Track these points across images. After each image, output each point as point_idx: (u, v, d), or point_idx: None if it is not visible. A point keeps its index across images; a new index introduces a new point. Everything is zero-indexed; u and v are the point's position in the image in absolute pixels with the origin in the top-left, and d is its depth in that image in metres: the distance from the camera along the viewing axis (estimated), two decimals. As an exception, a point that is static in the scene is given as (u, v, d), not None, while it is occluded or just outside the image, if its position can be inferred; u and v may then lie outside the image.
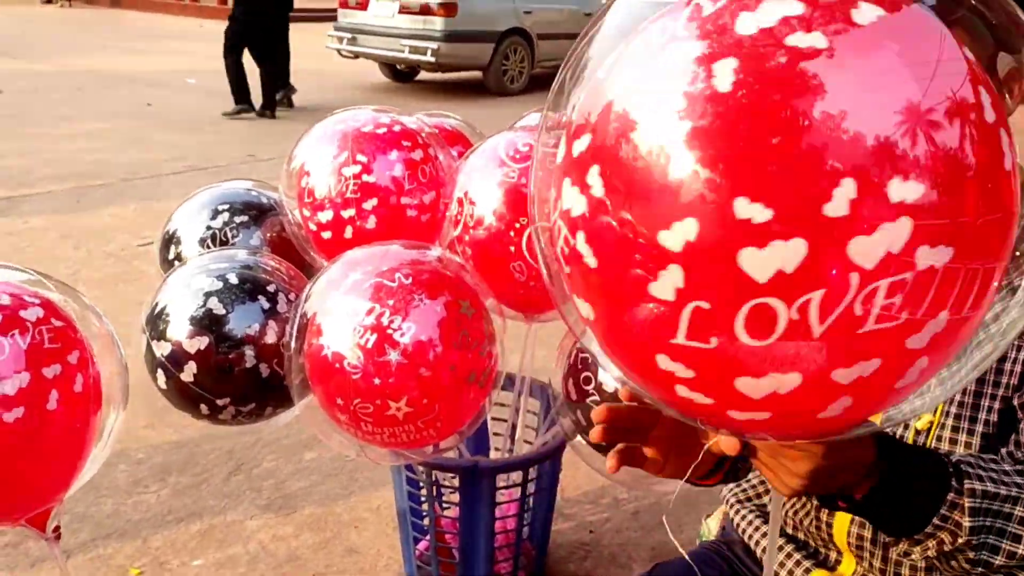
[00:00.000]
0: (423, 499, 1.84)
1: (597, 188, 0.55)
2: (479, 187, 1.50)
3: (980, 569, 0.77)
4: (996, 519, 0.76)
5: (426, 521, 1.87)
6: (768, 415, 0.57)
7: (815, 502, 0.98)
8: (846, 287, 0.49)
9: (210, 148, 5.97)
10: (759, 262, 0.49)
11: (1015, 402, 0.86)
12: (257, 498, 2.23)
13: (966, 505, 0.75)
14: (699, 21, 0.54)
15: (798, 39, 0.50)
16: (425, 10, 8.16)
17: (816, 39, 0.50)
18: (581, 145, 0.57)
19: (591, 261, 0.57)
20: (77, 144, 5.90)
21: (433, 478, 1.80)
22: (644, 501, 2.27)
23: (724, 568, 1.14)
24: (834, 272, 0.49)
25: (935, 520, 0.75)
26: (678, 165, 0.51)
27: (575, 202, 0.57)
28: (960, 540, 0.75)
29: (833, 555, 1.01)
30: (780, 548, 1.05)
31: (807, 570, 1.01)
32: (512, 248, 1.46)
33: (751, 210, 0.49)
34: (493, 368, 1.40)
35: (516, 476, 1.80)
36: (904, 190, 0.49)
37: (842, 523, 0.96)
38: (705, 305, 0.52)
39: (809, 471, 0.68)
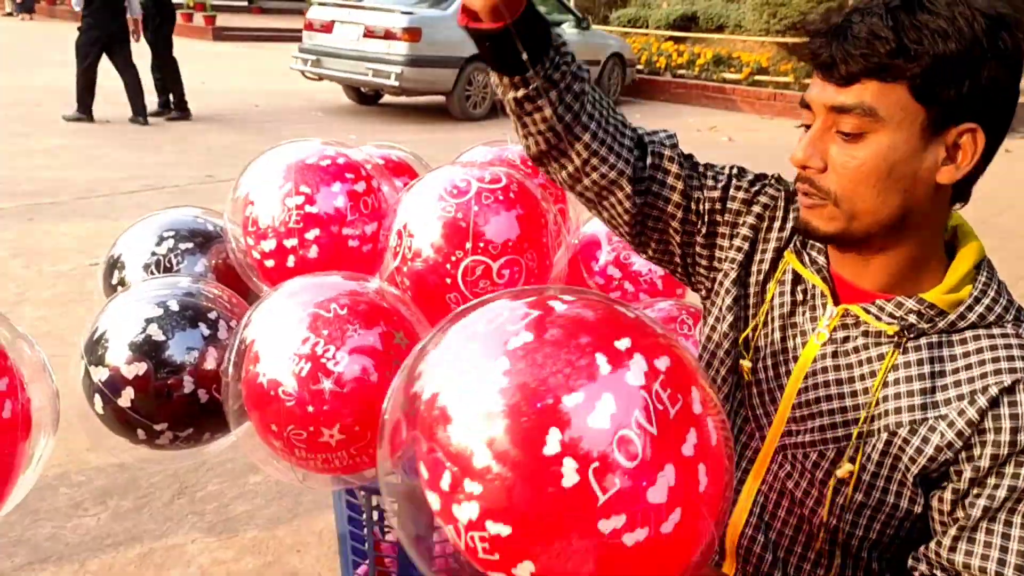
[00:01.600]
0: (364, 524, 1.86)
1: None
2: (418, 220, 1.54)
3: None
4: None
5: (366, 545, 1.89)
6: None
7: None
8: None
9: (169, 168, 5.95)
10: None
11: (934, 503, 0.91)
12: (199, 522, 2.23)
13: None
14: None
15: None
16: (389, 35, 8.24)
17: None
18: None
19: None
20: (33, 161, 5.85)
21: (374, 503, 1.82)
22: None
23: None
24: None
25: None
26: None
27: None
28: None
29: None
30: None
31: None
32: (448, 280, 1.51)
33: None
34: (427, 397, 1.43)
35: (455, 502, 1.83)
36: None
37: (733, 531, 1.02)
38: None
39: None
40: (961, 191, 0.93)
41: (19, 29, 15.60)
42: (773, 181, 1.11)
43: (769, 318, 1.04)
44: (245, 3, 20.18)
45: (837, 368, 0.96)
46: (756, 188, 1.10)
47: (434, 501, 0.77)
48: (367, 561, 1.91)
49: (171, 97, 7.81)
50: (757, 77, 11.31)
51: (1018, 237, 5.46)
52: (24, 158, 5.90)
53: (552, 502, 0.70)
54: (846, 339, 0.96)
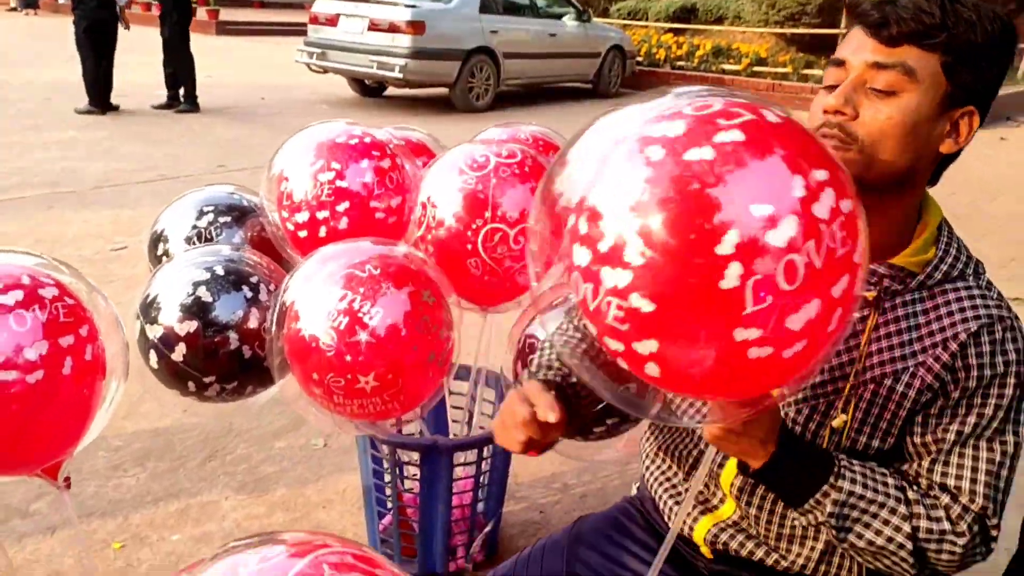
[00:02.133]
0: (387, 478, 2.02)
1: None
2: (440, 192, 1.69)
3: (846, 544, 1.02)
4: (859, 514, 0.99)
5: (389, 497, 2.05)
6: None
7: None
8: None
9: (181, 159, 6.09)
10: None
11: (915, 437, 1.05)
12: (231, 481, 2.39)
13: (831, 497, 0.98)
14: None
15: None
16: (393, 28, 8.37)
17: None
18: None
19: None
20: (48, 153, 5.99)
21: (396, 457, 1.98)
22: (591, 486, 2.47)
23: (639, 520, 1.34)
24: None
25: (809, 501, 0.99)
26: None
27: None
28: (821, 520, 1.00)
29: (716, 499, 1.20)
30: (673, 497, 1.24)
31: (695, 519, 1.20)
32: (469, 246, 1.66)
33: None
34: (450, 350, 1.59)
35: (472, 455, 1.99)
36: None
37: (729, 472, 1.16)
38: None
39: (721, 431, 0.93)
40: (939, 171, 1.08)
41: (24, 24, 15.72)
42: None
43: None
44: (247, -3, 20.25)
45: None
46: None
47: (582, 257, 0.79)
48: (390, 512, 2.07)
49: (181, 91, 7.94)
50: (756, 68, 11.44)
51: (1009, 221, 5.61)
52: (39, 150, 6.05)
53: (705, 297, 0.74)
54: None
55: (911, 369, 1.03)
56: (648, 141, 0.78)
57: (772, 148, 0.76)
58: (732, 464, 1.14)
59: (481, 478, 2.02)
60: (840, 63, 1.02)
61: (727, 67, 11.70)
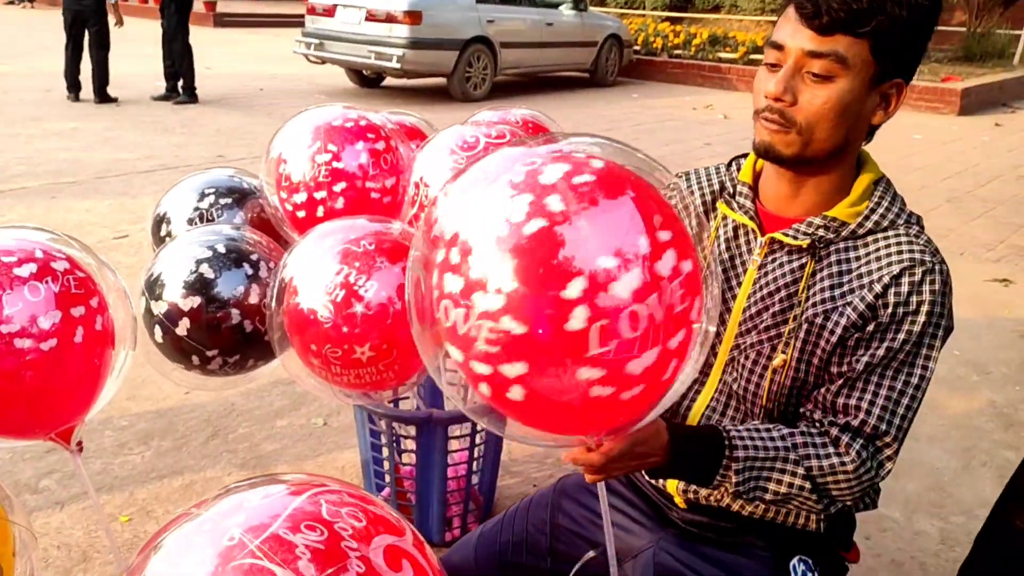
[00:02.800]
0: (384, 452, 2.09)
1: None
2: (433, 172, 1.75)
3: (756, 503, 1.14)
4: (758, 472, 1.10)
5: (387, 471, 2.12)
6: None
7: None
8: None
9: (181, 149, 6.16)
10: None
11: (831, 368, 1.13)
12: (233, 459, 2.46)
13: (732, 468, 1.10)
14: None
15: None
16: (391, 18, 8.41)
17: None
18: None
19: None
20: (49, 143, 6.05)
21: (393, 431, 2.05)
22: (583, 460, 2.54)
23: (621, 477, 1.41)
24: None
25: (716, 478, 1.11)
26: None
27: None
28: (733, 486, 1.10)
29: None
30: None
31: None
32: (460, 223, 1.72)
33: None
34: (443, 323, 1.65)
35: (467, 429, 2.06)
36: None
37: (693, 420, 1.25)
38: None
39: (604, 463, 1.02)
40: (872, 132, 1.15)
41: (22, 17, 15.75)
42: (704, 175, 1.32)
43: (714, 255, 1.25)
44: (244, -11, 20.25)
45: (768, 284, 1.17)
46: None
47: (454, 285, 0.86)
48: (388, 485, 2.15)
49: (180, 82, 7.99)
50: (752, 56, 11.47)
51: (1001, 205, 5.67)
52: (40, 140, 6.11)
53: (554, 334, 0.83)
54: (774, 260, 1.17)
55: (839, 308, 1.11)
56: (516, 186, 0.86)
57: (615, 205, 0.84)
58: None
59: (475, 451, 2.09)
60: (779, 47, 1.09)
61: (724, 55, 11.73)
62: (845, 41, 1.04)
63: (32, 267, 1.24)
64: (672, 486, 1.26)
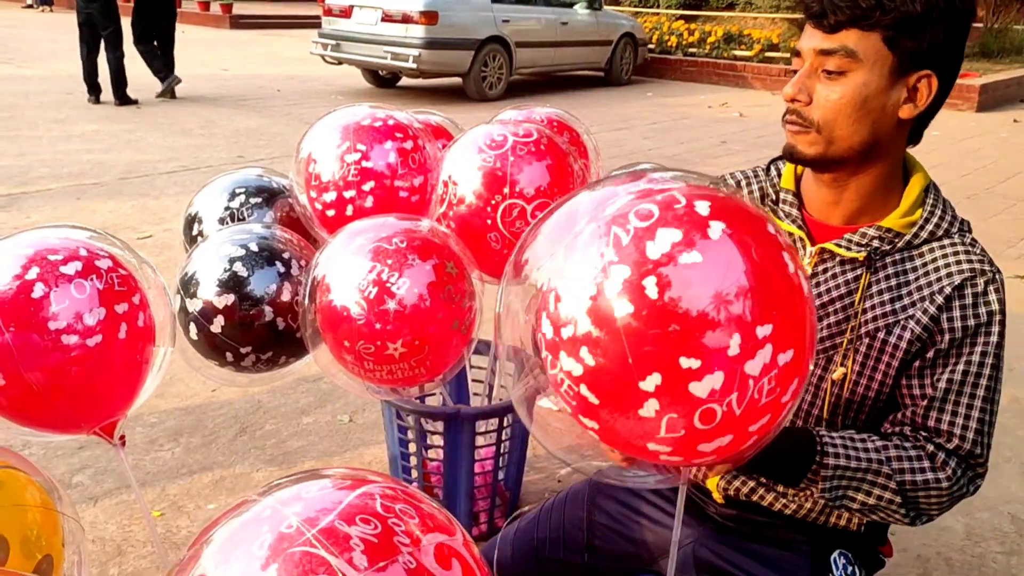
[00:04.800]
0: (412, 447, 2.12)
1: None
2: (461, 171, 1.78)
3: (841, 508, 1.13)
4: (848, 483, 1.09)
5: (415, 466, 2.15)
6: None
7: None
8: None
9: (201, 150, 6.21)
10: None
11: (909, 388, 1.14)
12: (261, 455, 2.49)
13: (821, 474, 1.09)
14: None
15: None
16: (407, 19, 8.44)
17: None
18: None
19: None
20: (72, 145, 6.13)
21: (420, 426, 2.07)
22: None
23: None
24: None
25: (803, 482, 1.10)
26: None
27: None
28: (816, 495, 1.10)
29: None
30: None
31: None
32: (489, 221, 1.74)
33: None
34: (472, 319, 1.68)
35: (493, 424, 2.08)
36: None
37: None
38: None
39: None
40: (916, 132, 1.15)
41: (41, 20, 15.91)
42: (743, 180, 1.32)
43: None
44: (259, -9, 20.37)
45: (822, 295, 1.17)
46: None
47: (547, 328, 0.87)
48: (415, 480, 2.17)
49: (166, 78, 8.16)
50: (768, 54, 11.43)
51: (1020, 202, 5.63)
52: (63, 143, 6.18)
53: (626, 416, 0.84)
54: (826, 271, 1.17)
55: (901, 322, 1.12)
56: (612, 263, 0.82)
57: (715, 299, 0.79)
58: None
59: (501, 447, 2.11)
60: (798, 53, 1.11)
61: (739, 53, 11.70)
62: (854, 35, 1.05)
63: (77, 265, 1.27)
64: (712, 482, 1.27)
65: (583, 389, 0.85)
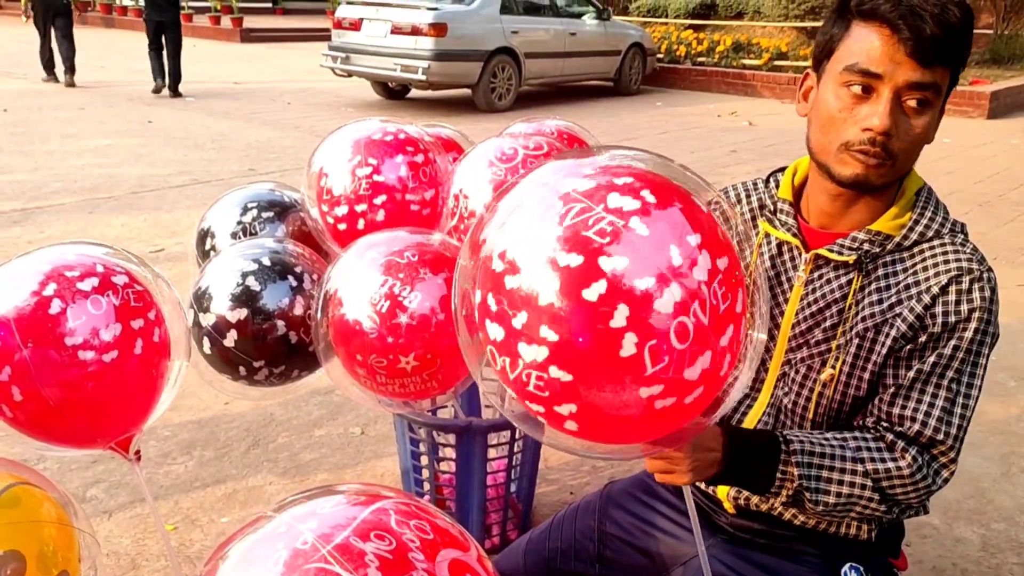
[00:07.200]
0: (424, 460, 2.12)
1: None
2: (472, 184, 1.79)
3: (820, 508, 1.11)
4: (819, 470, 1.09)
5: (427, 479, 2.15)
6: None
7: None
8: None
9: (213, 164, 6.26)
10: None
11: (884, 380, 1.14)
12: (274, 467, 2.50)
13: (792, 461, 1.09)
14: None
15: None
16: (416, 31, 8.49)
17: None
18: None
19: None
20: (84, 160, 6.18)
21: (433, 439, 2.08)
22: (620, 467, 2.55)
23: (669, 486, 1.42)
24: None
25: (776, 479, 1.10)
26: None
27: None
28: (795, 485, 1.09)
29: None
30: None
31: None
32: (500, 234, 1.75)
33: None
34: (484, 332, 1.68)
35: (505, 437, 2.08)
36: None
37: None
38: None
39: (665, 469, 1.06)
40: None
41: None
42: (743, 191, 1.33)
43: (759, 273, 1.26)
44: (269, 4, 20.55)
45: (817, 300, 1.18)
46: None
47: (497, 333, 0.88)
48: (427, 492, 2.17)
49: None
50: (776, 63, 11.43)
51: (1033, 209, 5.61)
52: (76, 157, 6.24)
53: (608, 366, 0.84)
54: (821, 276, 1.18)
55: (889, 321, 1.12)
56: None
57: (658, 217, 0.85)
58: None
59: (514, 459, 2.11)
60: (872, 74, 1.05)
61: (748, 62, 11.70)
62: (940, 71, 1.06)
63: (94, 281, 1.29)
64: (722, 492, 1.27)
65: (553, 371, 0.85)
